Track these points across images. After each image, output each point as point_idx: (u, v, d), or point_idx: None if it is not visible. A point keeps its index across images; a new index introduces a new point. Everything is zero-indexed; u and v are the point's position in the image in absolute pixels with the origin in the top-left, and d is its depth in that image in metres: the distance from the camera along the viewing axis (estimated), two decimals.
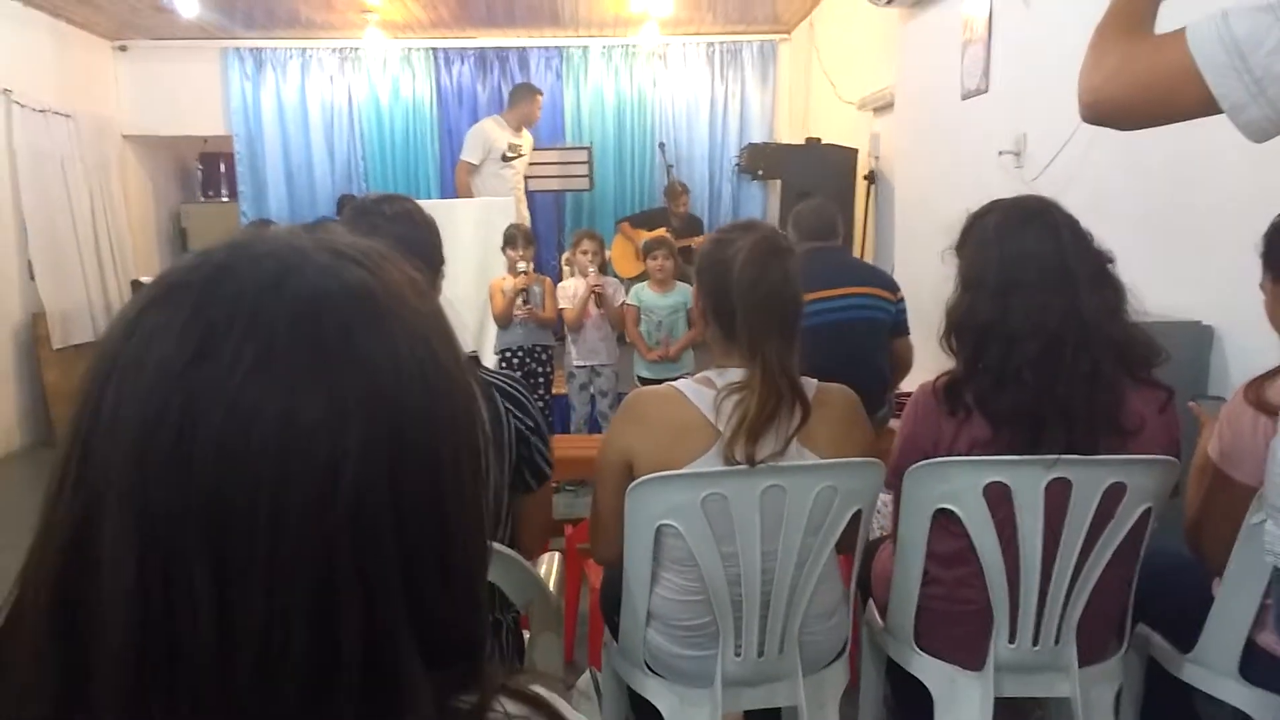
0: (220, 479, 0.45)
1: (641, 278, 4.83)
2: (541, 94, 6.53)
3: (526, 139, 6.46)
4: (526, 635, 1.82)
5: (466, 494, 0.54)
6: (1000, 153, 3.80)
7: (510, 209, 5.47)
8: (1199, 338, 2.56)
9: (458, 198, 6.13)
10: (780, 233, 1.79)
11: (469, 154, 6.20)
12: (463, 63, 7.75)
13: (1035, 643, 1.73)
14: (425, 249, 1.66)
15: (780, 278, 1.66)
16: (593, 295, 4.45)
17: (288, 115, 7.69)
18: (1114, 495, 1.63)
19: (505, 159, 6.21)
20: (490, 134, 6.23)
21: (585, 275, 4.51)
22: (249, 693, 0.46)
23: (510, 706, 0.55)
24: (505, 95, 7.57)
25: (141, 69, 7.47)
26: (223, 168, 8.31)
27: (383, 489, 0.48)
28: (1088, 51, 1.21)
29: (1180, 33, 1.08)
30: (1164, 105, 1.14)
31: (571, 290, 4.54)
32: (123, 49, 7.46)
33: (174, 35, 7.32)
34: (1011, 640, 1.73)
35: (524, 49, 7.73)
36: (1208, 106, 1.07)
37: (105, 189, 6.76)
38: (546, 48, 7.75)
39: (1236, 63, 1.03)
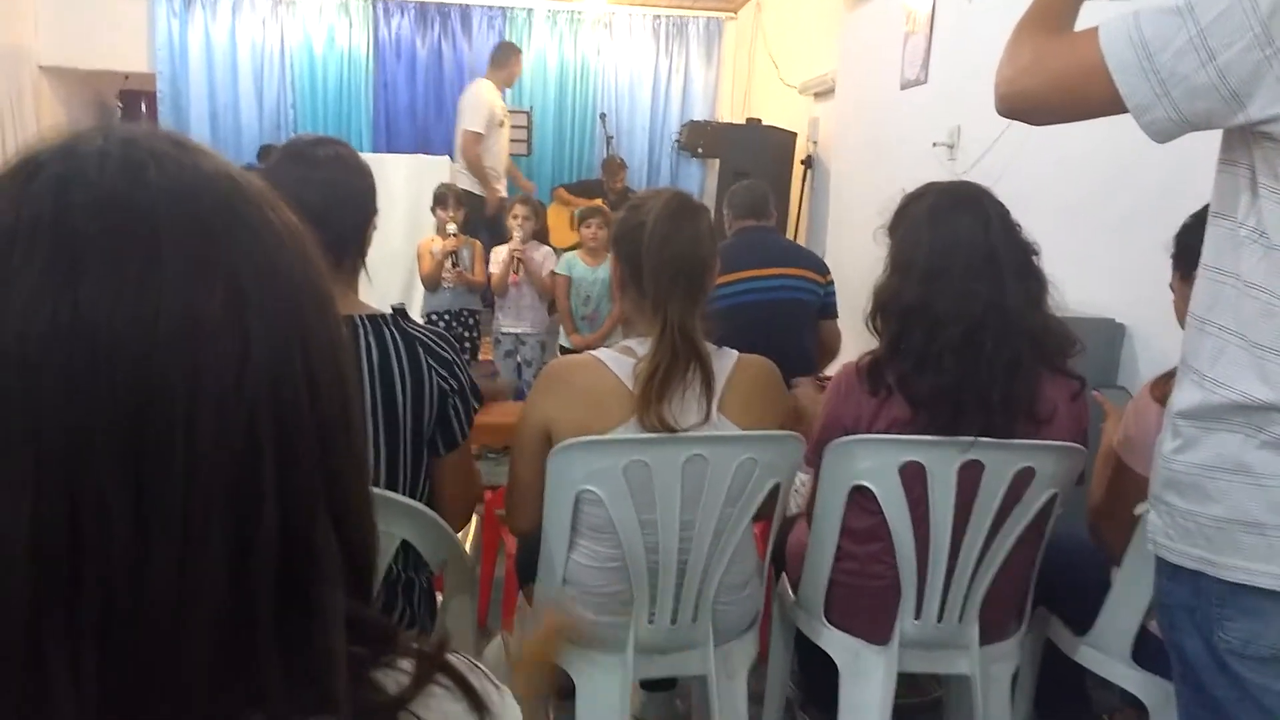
0: (131, 388, 0.43)
1: (577, 247, 4.79)
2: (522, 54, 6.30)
3: None
4: (439, 598, 1.80)
5: (350, 382, 0.53)
6: (934, 144, 3.86)
7: (445, 168, 5.35)
8: (1112, 334, 2.64)
9: (469, 169, 5.68)
10: (694, 198, 1.79)
11: (475, 123, 5.63)
12: (402, 15, 7.56)
13: (939, 620, 1.78)
14: (358, 195, 1.59)
15: (691, 236, 1.67)
16: (515, 261, 4.39)
17: (216, 56, 7.40)
18: (1023, 479, 1.68)
19: (500, 124, 5.92)
20: (491, 99, 5.79)
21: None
22: (161, 608, 0.44)
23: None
24: (444, 52, 7.42)
25: None
26: (144, 107, 7.98)
27: (295, 367, 0.48)
28: (1006, 45, 1.22)
29: (1093, 31, 1.10)
30: (1074, 101, 1.16)
31: (504, 255, 4.49)
32: None
33: None
34: (917, 617, 1.78)
35: (466, 6, 7.57)
36: (1116, 105, 1.09)
37: (18, 120, 6.46)
38: (490, 6, 7.60)
39: (1144, 63, 1.05)
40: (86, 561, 0.43)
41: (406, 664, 0.53)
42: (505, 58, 6.06)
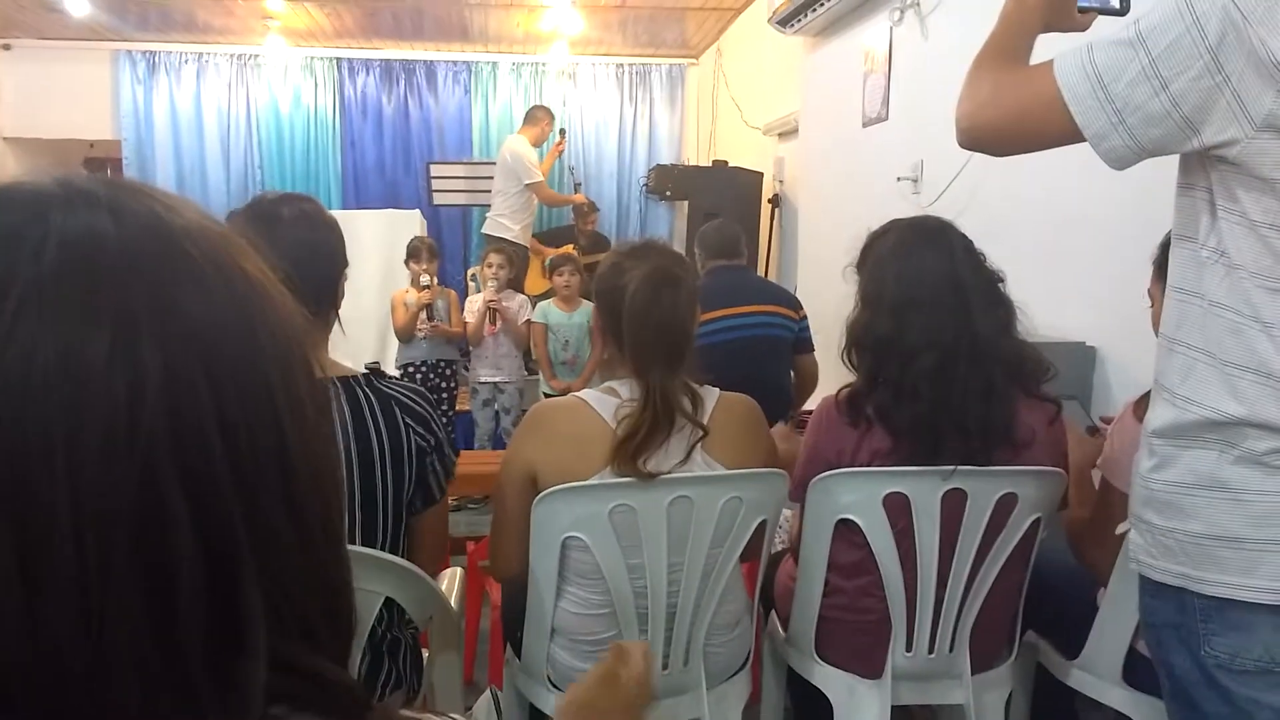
0: (6, 435, 0.41)
1: (549, 294, 4.81)
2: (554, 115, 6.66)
3: None
4: (425, 654, 1.77)
5: (308, 421, 0.50)
6: (899, 178, 3.92)
7: (416, 221, 5.38)
8: (1083, 357, 2.67)
9: (550, 205, 6.58)
10: (677, 259, 1.76)
11: (534, 174, 6.14)
12: (367, 73, 7.62)
13: (931, 651, 1.77)
14: (328, 252, 1.58)
15: (670, 308, 1.66)
16: (489, 312, 4.40)
17: (181, 121, 7.42)
18: (1006, 505, 1.69)
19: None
20: (529, 151, 6.23)
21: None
22: (65, 654, 0.41)
23: None
24: (410, 109, 7.51)
25: (27, 69, 7.15)
26: (109, 174, 7.97)
27: (206, 408, 0.44)
28: (965, 80, 1.26)
29: (1049, 64, 1.13)
30: (1032, 133, 1.19)
31: (478, 305, 4.50)
32: (6, 48, 7.13)
33: (63, 35, 7.02)
34: (908, 649, 1.77)
35: (431, 62, 7.65)
36: (1073, 134, 1.12)
37: None
38: (454, 62, 7.68)
39: (1099, 93, 1.08)
40: None
41: None
42: (539, 116, 6.49)
